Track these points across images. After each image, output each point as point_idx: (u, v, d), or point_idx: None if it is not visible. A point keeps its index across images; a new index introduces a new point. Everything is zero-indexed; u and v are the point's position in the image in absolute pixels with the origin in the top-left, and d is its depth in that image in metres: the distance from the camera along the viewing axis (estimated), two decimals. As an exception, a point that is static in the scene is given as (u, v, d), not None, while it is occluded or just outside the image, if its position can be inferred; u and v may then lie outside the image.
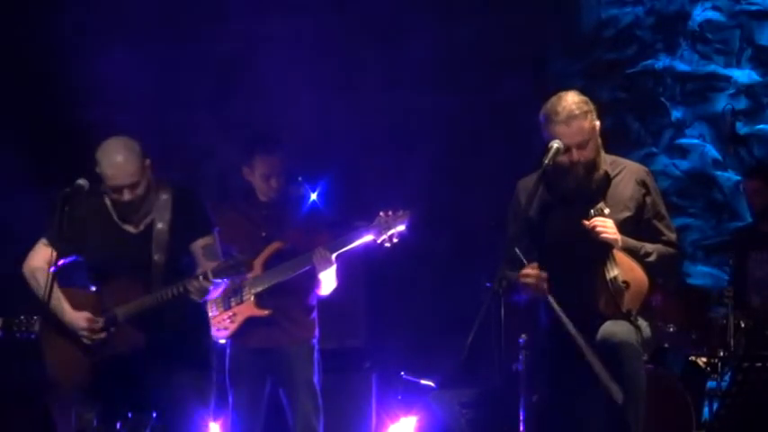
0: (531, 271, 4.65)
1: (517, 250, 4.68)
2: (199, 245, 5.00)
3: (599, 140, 4.78)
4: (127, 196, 4.86)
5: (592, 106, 4.75)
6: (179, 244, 4.97)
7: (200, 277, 4.83)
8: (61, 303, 4.90)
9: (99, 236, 4.96)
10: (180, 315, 4.96)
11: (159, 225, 4.93)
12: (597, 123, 4.75)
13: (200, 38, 8.04)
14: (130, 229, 4.97)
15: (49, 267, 4.88)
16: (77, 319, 4.89)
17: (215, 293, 5.17)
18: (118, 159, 4.84)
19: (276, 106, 7.79)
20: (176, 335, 4.96)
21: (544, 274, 4.66)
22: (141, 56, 7.78)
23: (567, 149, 4.67)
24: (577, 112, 4.67)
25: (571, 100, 4.71)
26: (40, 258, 4.99)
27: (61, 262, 4.95)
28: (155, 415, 5.02)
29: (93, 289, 5.00)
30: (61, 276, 4.96)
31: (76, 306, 4.93)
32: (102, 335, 4.87)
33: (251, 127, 7.50)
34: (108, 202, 4.97)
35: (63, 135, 7.53)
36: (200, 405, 4.99)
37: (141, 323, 4.88)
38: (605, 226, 4.62)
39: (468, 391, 6.81)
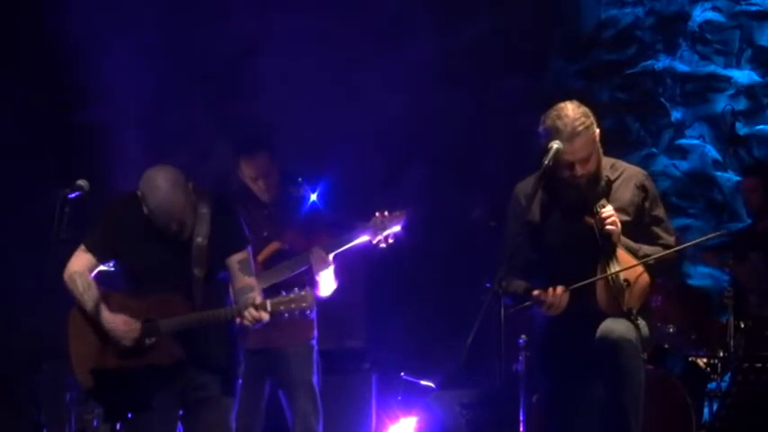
0: (552, 298, 4.64)
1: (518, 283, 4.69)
2: (235, 260, 4.98)
3: (600, 149, 4.76)
4: (174, 228, 4.84)
5: (592, 117, 4.68)
6: (217, 258, 4.96)
7: (258, 308, 4.81)
8: (99, 306, 4.86)
9: (137, 245, 4.93)
10: (219, 329, 4.97)
11: (198, 239, 4.91)
12: (597, 132, 4.71)
13: (200, 37, 8.04)
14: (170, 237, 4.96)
15: (89, 272, 4.93)
16: (115, 320, 4.85)
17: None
18: (164, 197, 4.79)
19: (276, 106, 7.79)
20: (214, 347, 4.97)
21: (559, 290, 4.65)
22: (141, 55, 7.78)
23: (571, 165, 4.64)
24: (580, 128, 4.59)
25: (572, 115, 4.61)
26: (80, 264, 4.97)
27: (100, 267, 4.99)
28: (181, 413, 5.01)
29: (135, 296, 4.95)
30: (103, 281, 5.01)
31: (117, 310, 4.89)
32: (136, 336, 4.85)
33: (243, 128, 7.53)
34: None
35: (63, 135, 7.53)
36: (223, 412, 5.00)
37: (183, 336, 4.86)
38: (612, 215, 4.63)
39: (468, 392, 6.81)
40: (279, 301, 4.85)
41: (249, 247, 5.07)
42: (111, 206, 5.07)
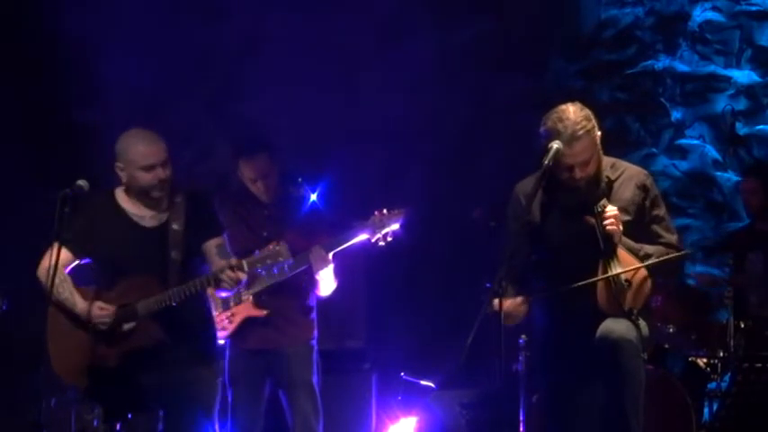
0: (512, 307, 4.69)
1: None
2: (212, 244, 5.06)
3: (600, 151, 4.76)
4: (162, 174, 4.91)
5: (593, 121, 4.67)
6: (193, 244, 5.03)
7: (235, 268, 4.86)
8: (73, 296, 4.93)
9: (113, 234, 4.99)
10: (193, 315, 5.02)
11: (174, 226, 4.99)
12: (599, 134, 4.71)
13: (199, 37, 8.03)
14: (146, 223, 5.00)
15: (64, 268, 4.96)
16: (87, 307, 4.91)
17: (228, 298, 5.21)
18: (147, 138, 4.94)
19: (276, 106, 7.79)
20: (190, 334, 5.00)
21: (518, 300, 4.70)
22: (141, 56, 7.78)
23: (570, 168, 4.64)
24: (581, 132, 4.59)
25: (573, 119, 4.61)
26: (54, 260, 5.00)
27: (75, 263, 5.01)
28: (162, 413, 5.06)
29: (105, 288, 4.99)
30: (75, 278, 5.02)
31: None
32: (110, 319, 4.89)
33: (243, 128, 7.53)
34: (121, 199, 5.01)
35: (63, 135, 7.53)
36: (204, 406, 5.02)
37: (161, 319, 4.90)
38: (615, 216, 4.63)
39: (468, 392, 6.81)
40: (254, 260, 4.90)
41: (225, 234, 5.13)
42: (83, 202, 5.04)
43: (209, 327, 5.17)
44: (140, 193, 4.99)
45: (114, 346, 4.92)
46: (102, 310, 4.89)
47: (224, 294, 5.21)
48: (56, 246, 4.96)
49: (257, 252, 4.96)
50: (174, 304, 4.88)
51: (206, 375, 5.04)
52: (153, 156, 4.91)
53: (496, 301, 4.56)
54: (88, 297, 4.96)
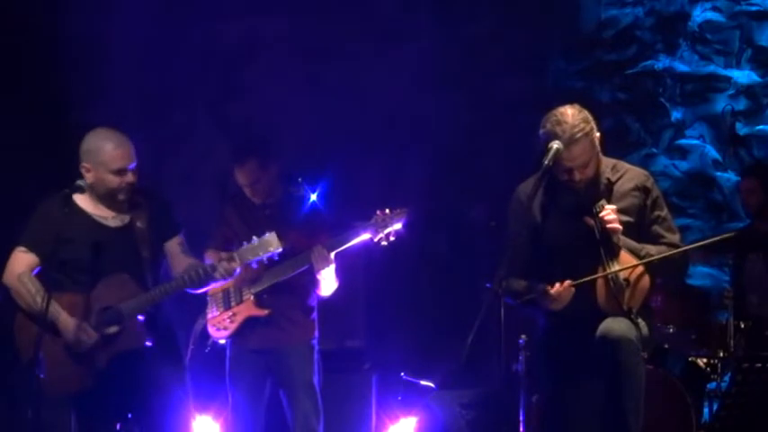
0: (560, 289, 4.65)
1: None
2: (175, 243, 5.07)
3: (599, 152, 4.76)
4: (131, 178, 4.87)
5: (592, 123, 4.68)
6: (158, 241, 5.02)
7: (229, 260, 4.90)
8: (55, 306, 4.81)
9: (79, 236, 4.89)
10: (165, 316, 5.03)
11: (138, 224, 4.96)
12: (597, 136, 4.71)
13: (199, 37, 8.04)
14: (110, 223, 4.96)
15: (31, 272, 4.89)
16: (69, 323, 4.83)
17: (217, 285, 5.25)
18: (117, 140, 4.89)
19: (276, 106, 7.79)
20: (168, 335, 5.03)
21: (566, 283, 4.66)
22: (141, 56, 7.77)
23: (569, 170, 4.64)
24: (579, 135, 4.60)
25: (571, 122, 4.61)
26: (21, 265, 4.94)
27: (38, 268, 4.94)
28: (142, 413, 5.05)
29: (83, 289, 4.92)
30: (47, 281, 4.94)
31: (68, 309, 4.87)
32: (90, 342, 4.83)
33: (240, 131, 7.53)
34: (79, 201, 4.94)
35: (63, 135, 7.52)
36: (182, 398, 5.04)
37: (144, 319, 4.88)
38: (612, 215, 4.63)
39: (468, 392, 6.80)
40: (245, 250, 4.94)
41: (182, 233, 5.12)
42: (41, 205, 5.00)
43: (170, 322, 5.16)
44: (105, 196, 4.92)
45: (102, 349, 4.84)
46: (82, 331, 4.80)
47: (199, 292, 5.20)
48: (28, 255, 4.91)
49: (245, 244, 4.98)
50: (159, 302, 4.89)
51: (182, 375, 5.06)
52: (124, 159, 4.85)
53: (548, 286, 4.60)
54: (65, 304, 4.85)
